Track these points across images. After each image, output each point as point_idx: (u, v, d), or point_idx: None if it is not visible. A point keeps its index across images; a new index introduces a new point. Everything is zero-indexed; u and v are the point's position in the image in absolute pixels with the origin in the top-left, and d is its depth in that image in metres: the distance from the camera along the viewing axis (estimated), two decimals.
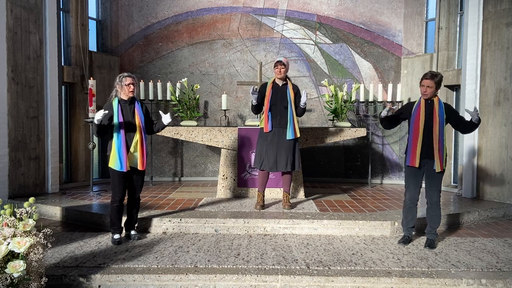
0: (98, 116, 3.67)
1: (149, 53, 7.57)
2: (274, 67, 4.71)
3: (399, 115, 4.08)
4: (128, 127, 3.87)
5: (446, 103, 3.94)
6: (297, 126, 4.75)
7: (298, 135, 4.77)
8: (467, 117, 4.12)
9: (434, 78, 3.76)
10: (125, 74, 3.92)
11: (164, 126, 4.14)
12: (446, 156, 3.88)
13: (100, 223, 4.57)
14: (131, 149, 3.86)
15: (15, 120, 5.50)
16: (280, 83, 4.78)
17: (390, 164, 7.50)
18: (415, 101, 3.98)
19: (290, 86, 4.76)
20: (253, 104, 4.75)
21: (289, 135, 4.69)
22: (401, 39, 7.42)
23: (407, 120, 4.06)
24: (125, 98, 3.90)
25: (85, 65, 6.81)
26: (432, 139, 3.77)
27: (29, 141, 5.71)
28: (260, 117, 6.15)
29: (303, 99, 4.67)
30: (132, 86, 3.86)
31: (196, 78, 7.55)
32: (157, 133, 5.67)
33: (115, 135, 3.82)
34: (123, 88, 3.86)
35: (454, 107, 6.76)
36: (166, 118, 4.06)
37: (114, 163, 3.81)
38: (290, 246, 3.89)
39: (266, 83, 4.86)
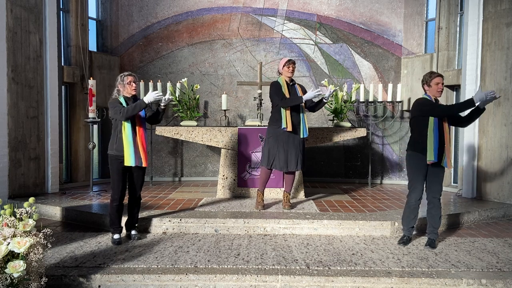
0: (155, 95, 3.75)
1: (149, 53, 7.57)
2: (285, 66, 4.74)
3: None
4: (132, 124, 3.88)
5: None
6: (307, 125, 4.84)
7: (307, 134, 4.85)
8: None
9: (442, 75, 3.84)
10: (126, 73, 3.96)
11: (157, 110, 4.05)
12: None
13: (100, 223, 4.57)
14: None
15: (15, 120, 5.50)
16: (289, 82, 4.84)
17: (390, 164, 7.50)
18: (425, 99, 3.87)
19: (298, 86, 4.87)
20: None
21: (303, 134, 4.74)
22: (401, 39, 7.42)
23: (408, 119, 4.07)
24: (128, 96, 3.93)
25: (85, 65, 6.81)
26: (443, 137, 3.79)
27: (29, 141, 5.71)
28: (259, 116, 6.16)
29: (313, 94, 4.63)
30: (134, 84, 3.92)
31: (196, 78, 7.55)
32: (157, 133, 5.75)
33: (125, 132, 3.82)
34: (126, 87, 3.90)
35: None
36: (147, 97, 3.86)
37: (129, 159, 3.81)
38: (290, 246, 3.89)
39: (277, 82, 4.82)
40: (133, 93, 3.94)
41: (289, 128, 4.67)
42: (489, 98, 3.61)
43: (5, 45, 5.33)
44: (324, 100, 4.80)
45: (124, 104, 3.86)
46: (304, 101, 4.66)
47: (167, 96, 4.01)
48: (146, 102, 3.78)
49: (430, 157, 3.73)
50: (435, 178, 3.88)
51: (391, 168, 7.50)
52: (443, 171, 3.89)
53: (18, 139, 5.55)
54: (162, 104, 3.99)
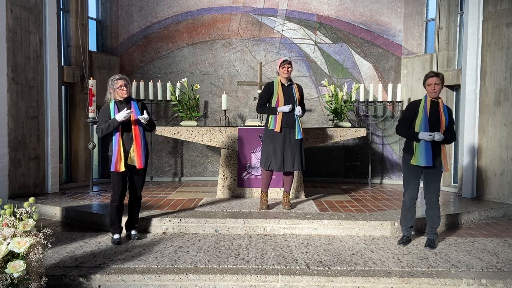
0: (125, 114, 3.76)
1: (149, 53, 7.57)
2: (280, 66, 4.72)
3: (411, 117, 3.89)
4: (126, 127, 3.87)
5: (448, 106, 3.93)
6: (301, 126, 4.84)
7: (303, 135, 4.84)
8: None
9: (439, 75, 3.79)
10: (116, 76, 3.91)
11: (147, 123, 3.97)
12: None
13: (100, 223, 4.57)
14: (130, 149, 3.88)
15: (15, 120, 5.50)
16: (286, 83, 4.81)
17: (390, 164, 7.50)
18: (418, 100, 3.89)
19: (295, 87, 4.84)
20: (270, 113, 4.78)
21: (298, 135, 4.73)
22: (401, 39, 7.42)
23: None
24: (120, 99, 3.92)
25: (85, 65, 6.81)
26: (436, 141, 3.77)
27: (29, 141, 5.71)
28: (259, 116, 6.16)
29: (297, 112, 4.72)
30: (125, 88, 3.87)
31: (196, 78, 7.55)
32: (157, 133, 5.74)
33: (113, 136, 3.85)
34: (116, 91, 3.88)
35: (454, 107, 6.78)
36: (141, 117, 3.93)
37: (112, 163, 3.83)
38: (290, 246, 3.89)
39: (271, 83, 4.85)
40: (125, 96, 3.89)
41: (278, 130, 4.67)
42: (427, 139, 3.70)
43: (5, 45, 5.33)
44: (297, 115, 4.77)
45: (112, 111, 3.85)
46: (277, 114, 4.68)
47: (145, 115, 3.89)
48: (118, 120, 3.78)
49: (415, 161, 3.76)
50: (432, 178, 3.87)
51: (391, 168, 7.50)
52: (440, 171, 3.87)
53: (18, 139, 5.55)
54: (142, 122, 3.92)
